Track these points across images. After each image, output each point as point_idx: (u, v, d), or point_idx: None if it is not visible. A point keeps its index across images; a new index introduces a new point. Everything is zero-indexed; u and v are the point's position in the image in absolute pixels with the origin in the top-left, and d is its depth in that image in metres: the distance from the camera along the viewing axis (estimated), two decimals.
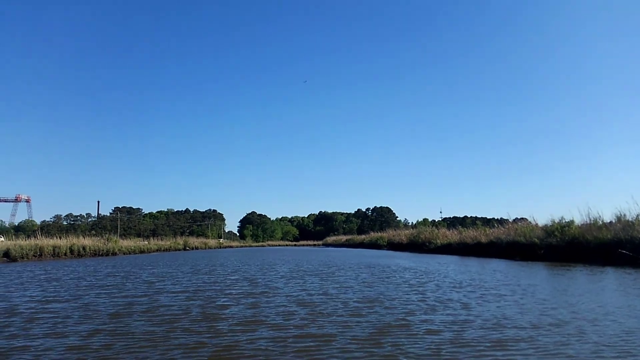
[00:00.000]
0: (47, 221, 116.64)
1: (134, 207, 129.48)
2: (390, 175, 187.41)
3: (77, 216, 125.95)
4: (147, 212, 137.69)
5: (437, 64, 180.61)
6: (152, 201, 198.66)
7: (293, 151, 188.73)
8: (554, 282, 11.55)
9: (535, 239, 23.38)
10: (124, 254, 39.06)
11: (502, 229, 30.32)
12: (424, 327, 5.84)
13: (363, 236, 75.99)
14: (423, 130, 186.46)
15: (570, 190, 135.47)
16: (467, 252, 30.75)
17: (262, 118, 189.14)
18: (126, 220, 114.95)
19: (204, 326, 6.07)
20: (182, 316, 6.83)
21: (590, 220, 22.35)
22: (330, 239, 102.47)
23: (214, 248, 70.22)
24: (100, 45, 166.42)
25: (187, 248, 59.22)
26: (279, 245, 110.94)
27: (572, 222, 22.39)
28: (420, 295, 8.93)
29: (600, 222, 21.54)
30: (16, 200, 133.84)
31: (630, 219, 20.02)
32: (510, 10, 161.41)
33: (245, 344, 5.10)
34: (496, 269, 16.06)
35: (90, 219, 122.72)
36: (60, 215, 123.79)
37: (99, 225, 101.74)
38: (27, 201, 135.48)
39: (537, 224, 27.33)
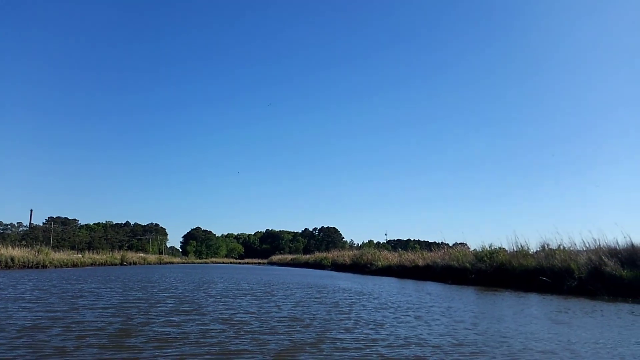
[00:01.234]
0: None
1: (69, 218, 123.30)
2: (338, 195, 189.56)
3: (7, 225, 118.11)
4: (84, 223, 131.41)
5: (382, 90, 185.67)
6: (89, 212, 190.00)
7: (241, 167, 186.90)
8: (475, 305, 12.19)
9: (467, 264, 24.43)
10: (55, 267, 37.22)
11: (439, 253, 31.40)
12: (332, 345, 6.11)
13: (308, 256, 76.13)
14: (373, 153, 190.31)
15: (514, 217, 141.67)
16: (405, 275, 31.57)
17: (210, 131, 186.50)
18: (60, 232, 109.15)
19: (117, 342, 6.04)
20: (96, 331, 6.73)
21: (517, 247, 23.69)
22: (276, 257, 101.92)
23: (154, 264, 67.95)
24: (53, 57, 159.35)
25: (125, 263, 57.06)
26: (223, 263, 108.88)
27: (501, 249, 23.60)
28: (344, 315, 9.22)
29: (526, 250, 22.86)
30: None
31: (552, 248, 21.41)
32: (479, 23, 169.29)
33: (154, 357, 5.15)
34: (427, 292, 16.70)
35: (21, 229, 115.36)
36: None
37: (30, 236, 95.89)
38: None
39: (469, 249, 28.62)
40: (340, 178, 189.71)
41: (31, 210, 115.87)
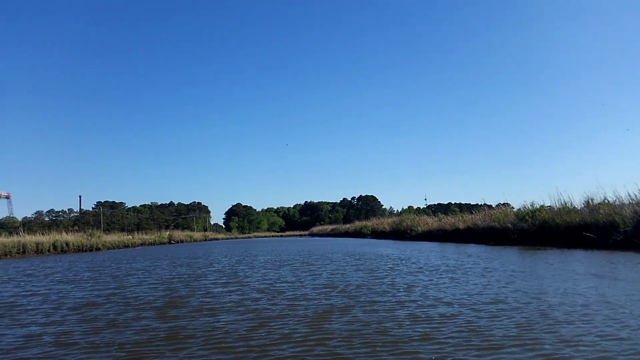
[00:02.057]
0: (29, 217, 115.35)
1: (116, 202, 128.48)
2: (375, 163, 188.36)
3: (59, 212, 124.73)
4: (131, 206, 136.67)
5: (420, 57, 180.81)
6: (135, 195, 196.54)
7: (278, 141, 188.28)
8: (515, 264, 12.08)
9: (509, 224, 24.12)
10: (107, 248, 39.07)
11: (479, 214, 31.04)
12: (361, 308, 6.32)
13: (348, 225, 76.71)
14: (407, 120, 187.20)
15: (554, 176, 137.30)
16: (446, 239, 31.50)
17: (245, 109, 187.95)
18: (109, 215, 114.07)
19: (162, 312, 6.44)
20: (149, 304, 7.17)
21: (560, 204, 23.14)
22: (316, 228, 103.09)
23: (200, 241, 70.24)
24: (87, 42, 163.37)
25: (172, 241, 59.18)
26: (265, 237, 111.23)
27: (542, 206, 23.11)
28: (378, 280, 9.39)
29: (570, 207, 22.29)
30: None
31: (597, 203, 20.78)
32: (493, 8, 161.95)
33: (196, 325, 5.48)
34: (468, 254, 16.64)
35: (72, 215, 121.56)
36: (42, 212, 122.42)
37: (81, 221, 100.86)
38: (7, 197, 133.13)
39: (511, 209, 28.12)
40: (376, 146, 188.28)
41: (80, 196, 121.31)
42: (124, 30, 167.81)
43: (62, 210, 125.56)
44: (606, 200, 20.19)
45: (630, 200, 18.64)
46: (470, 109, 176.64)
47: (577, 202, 22.49)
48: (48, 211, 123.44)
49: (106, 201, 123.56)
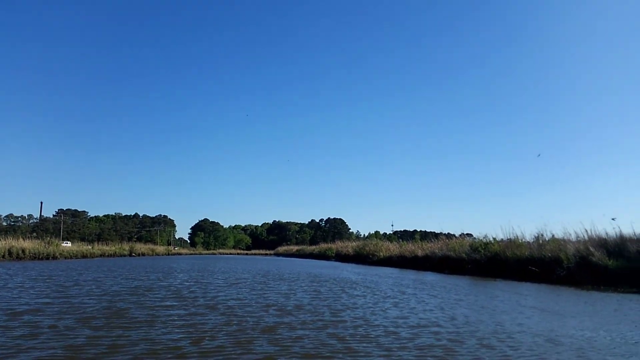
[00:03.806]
0: None
1: (79, 210, 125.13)
2: (347, 187, 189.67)
3: (18, 217, 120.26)
4: (93, 215, 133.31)
5: (390, 73, 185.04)
6: (99, 204, 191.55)
7: (249, 159, 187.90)
8: (455, 293, 12.68)
9: (463, 254, 24.90)
10: (65, 258, 38.20)
11: (437, 243, 31.84)
12: (288, 327, 6.76)
13: (313, 247, 77.02)
14: (381, 147, 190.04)
15: (534, 209, 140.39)
16: (405, 265, 32.09)
17: (217, 124, 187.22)
18: (70, 224, 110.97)
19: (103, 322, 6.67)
20: (90, 314, 7.37)
21: (513, 237, 24.10)
22: (282, 248, 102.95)
23: (162, 255, 69.08)
24: (59, 40, 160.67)
25: (133, 254, 58.12)
26: (230, 254, 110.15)
27: (495, 239, 24.01)
28: (321, 302, 9.82)
29: (520, 241, 23.25)
30: None
31: (546, 238, 21.81)
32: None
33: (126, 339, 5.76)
34: (422, 280, 17.20)
35: (32, 221, 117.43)
36: (0, 215, 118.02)
37: (41, 228, 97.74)
38: None
39: (473, 239, 28.99)
40: (347, 171, 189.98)
41: (41, 203, 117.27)
42: (107, 33, 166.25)
43: (22, 215, 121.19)
44: (554, 237, 21.20)
45: (577, 238, 19.65)
46: (450, 138, 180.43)
47: (529, 236, 23.50)
48: (7, 215, 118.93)
49: (68, 209, 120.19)
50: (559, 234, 21.45)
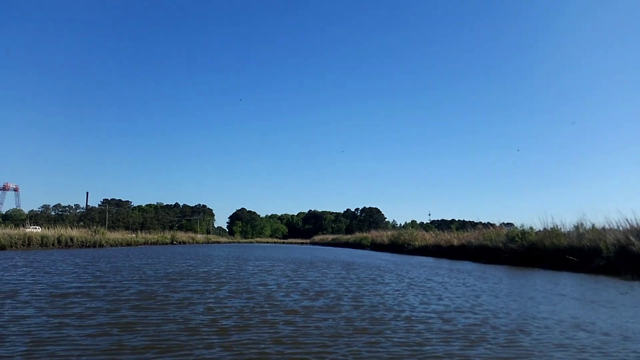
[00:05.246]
0: (35, 211, 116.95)
1: (123, 200, 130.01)
2: (381, 176, 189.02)
3: (65, 207, 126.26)
4: (136, 205, 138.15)
5: (429, 66, 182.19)
6: (141, 194, 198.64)
7: (285, 149, 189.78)
8: (484, 281, 12.75)
9: (500, 244, 24.69)
10: (110, 246, 39.96)
11: (474, 233, 31.58)
12: (306, 314, 7.02)
13: (349, 236, 77.31)
14: (416, 133, 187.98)
15: (564, 197, 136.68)
16: (441, 254, 32.02)
17: (254, 116, 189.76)
18: (114, 213, 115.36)
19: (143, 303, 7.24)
20: (127, 297, 7.97)
21: (552, 226, 23.70)
22: (318, 237, 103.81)
23: (202, 243, 71.08)
24: (97, 37, 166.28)
25: (175, 242, 60.00)
26: (267, 242, 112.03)
27: (532, 229, 23.68)
28: (343, 289, 10.18)
29: (559, 230, 22.85)
30: (4, 188, 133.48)
31: (586, 227, 21.36)
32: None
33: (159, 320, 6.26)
34: (459, 270, 17.28)
35: (78, 210, 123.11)
36: (49, 206, 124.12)
37: (87, 217, 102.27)
38: (16, 190, 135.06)
39: (505, 229, 28.65)
40: (385, 158, 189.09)
41: (87, 193, 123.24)
42: (144, 33, 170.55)
43: (69, 205, 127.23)
44: (594, 226, 20.74)
45: (619, 226, 19.19)
46: (490, 130, 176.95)
47: (569, 225, 23.05)
48: (55, 205, 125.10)
49: (112, 199, 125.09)
50: (599, 223, 20.97)
